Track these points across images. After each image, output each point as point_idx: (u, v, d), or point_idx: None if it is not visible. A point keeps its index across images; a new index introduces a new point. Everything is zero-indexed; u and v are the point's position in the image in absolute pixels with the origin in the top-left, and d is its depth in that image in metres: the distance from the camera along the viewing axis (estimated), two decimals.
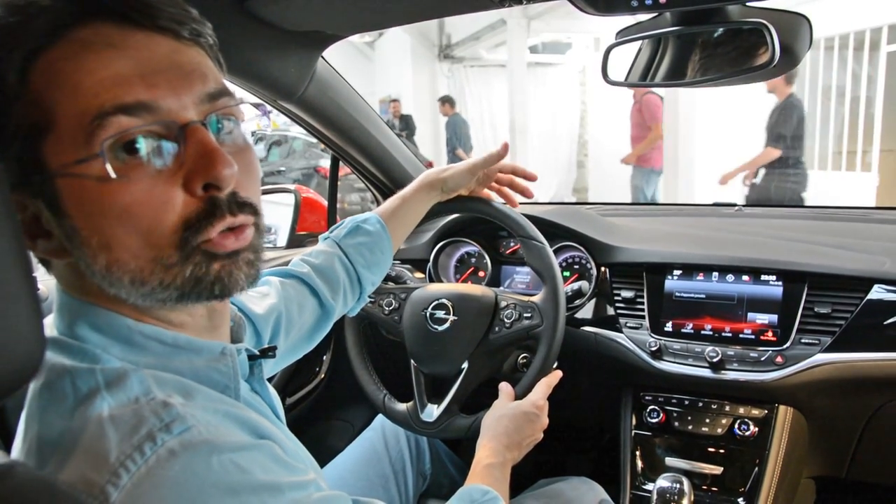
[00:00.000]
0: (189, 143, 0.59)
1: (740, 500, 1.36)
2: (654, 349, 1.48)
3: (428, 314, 1.44)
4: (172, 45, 0.61)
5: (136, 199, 0.57)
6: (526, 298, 1.40)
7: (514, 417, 1.23)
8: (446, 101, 10.01)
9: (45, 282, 1.28)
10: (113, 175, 0.56)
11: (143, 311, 0.64)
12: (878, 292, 1.34)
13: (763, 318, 1.43)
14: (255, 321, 0.97)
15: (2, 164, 0.52)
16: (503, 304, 1.41)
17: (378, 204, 1.97)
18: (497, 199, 1.45)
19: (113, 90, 0.56)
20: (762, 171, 5.66)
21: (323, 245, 1.21)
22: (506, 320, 1.39)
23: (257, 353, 0.78)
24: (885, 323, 1.33)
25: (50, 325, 0.65)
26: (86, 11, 0.57)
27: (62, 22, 0.56)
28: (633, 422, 1.52)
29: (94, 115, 0.55)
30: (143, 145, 0.57)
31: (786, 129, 5.55)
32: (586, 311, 1.61)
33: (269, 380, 1.09)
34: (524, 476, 1.35)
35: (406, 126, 9.95)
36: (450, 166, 1.36)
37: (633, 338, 1.52)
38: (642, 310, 1.54)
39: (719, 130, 8.58)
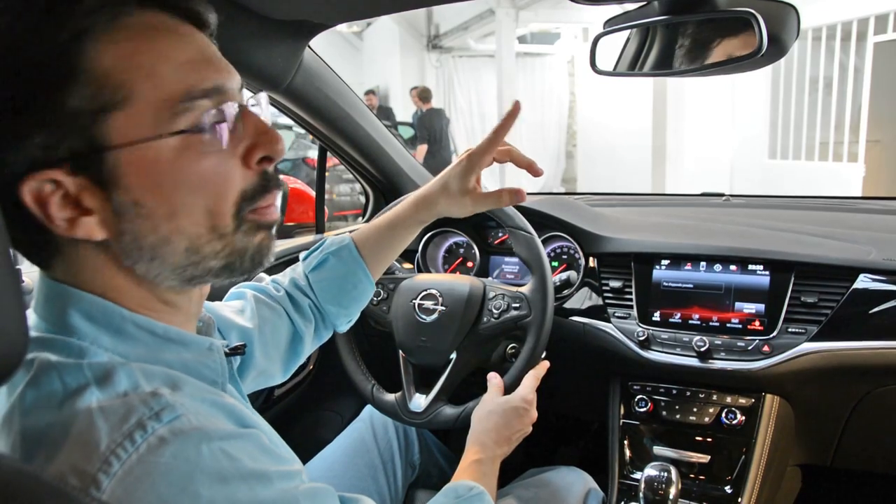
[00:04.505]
0: (247, 122, 0.66)
1: (727, 488, 1.37)
2: (641, 339, 1.48)
3: (416, 304, 1.44)
4: (206, 40, 0.67)
5: (209, 170, 0.63)
6: (514, 289, 1.40)
7: (503, 413, 1.23)
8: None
9: (30, 274, 1.27)
10: (201, 151, 0.62)
11: (139, 303, 0.65)
12: (863, 281, 1.35)
13: (750, 308, 1.44)
14: (220, 328, 0.97)
15: None
16: (491, 294, 1.41)
17: (367, 196, 1.96)
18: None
19: (193, 74, 0.62)
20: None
21: (297, 270, 1.16)
22: (494, 310, 1.39)
23: (228, 350, 0.79)
24: (870, 311, 1.34)
25: (31, 316, 0.65)
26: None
27: (119, 4, 0.60)
28: (622, 411, 1.53)
29: (181, 97, 0.60)
30: (218, 123, 0.63)
31: (427, 131, 8.26)
32: (575, 301, 1.61)
33: None
34: (513, 465, 1.35)
35: (386, 118, 9.95)
36: (444, 199, 1.09)
37: (622, 327, 1.53)
38: (630, 299, 1.55)
39: (706, 121, 8.61)
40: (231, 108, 0.64)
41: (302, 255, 1.18)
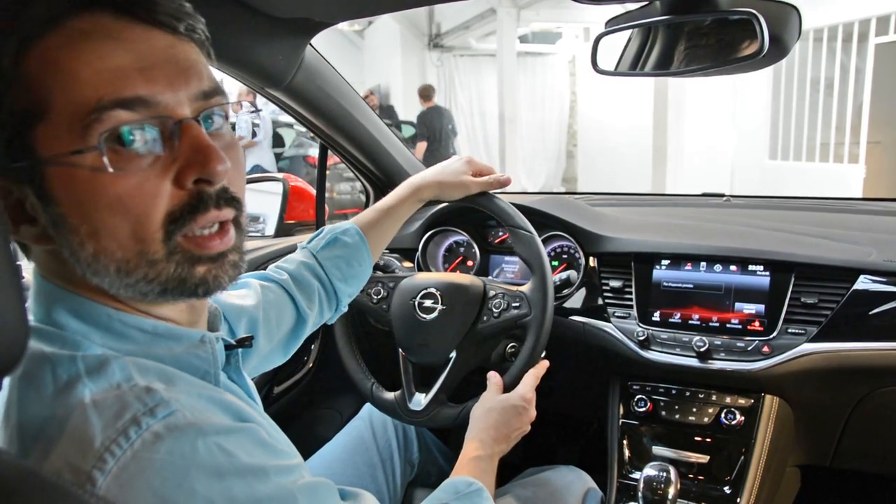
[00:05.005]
0: (183, 139, 0.60)
1: (726, 488, 1.37)
2: (641, 339, 1.48)
3: (416, 303, 1.44)
4: (169, 40, 0.61)
5: (128, 191, 0.58)
6: (514, 288, 1.40)
7: (502, 411, 1.23)
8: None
9: (30, 270, 1.27)
10: (110, 169, 0.56)
11: (123, 302, 0.64)
12: (863, 282, 1.35)
13: (750, 308, 1.44)
14: (228, 317, 0.97)
15: None
16: (492, 293, 1.41)
17: (367, 194, 1.96)
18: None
19: (112, 84, 0.56)
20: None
21: (300, 255, 1.20)
22: (494, 310, 1.39)
23: (234, 342, 0.78)
24: (870, 313, 1.34)
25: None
26: (86, 1, 0.58)
27: (61, 10, 0.57)
28: (621, 411, 1.53)
29: (93, 107, 0.56)
30: (139, 139, 0.58)
31: (427, 129, 8.43)
32: (575, 301, 1.61)
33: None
34: (512, 465, 1.36)
35: (389, 117, 9.96)
36: (442, 180, 1.35)
37: (621, 327, 1.53)
38: (630, 299, 1.55)
39: (706, 121, 8.61)
40: (162, 122, 0.59)
41: (300, 243, 1.23)
